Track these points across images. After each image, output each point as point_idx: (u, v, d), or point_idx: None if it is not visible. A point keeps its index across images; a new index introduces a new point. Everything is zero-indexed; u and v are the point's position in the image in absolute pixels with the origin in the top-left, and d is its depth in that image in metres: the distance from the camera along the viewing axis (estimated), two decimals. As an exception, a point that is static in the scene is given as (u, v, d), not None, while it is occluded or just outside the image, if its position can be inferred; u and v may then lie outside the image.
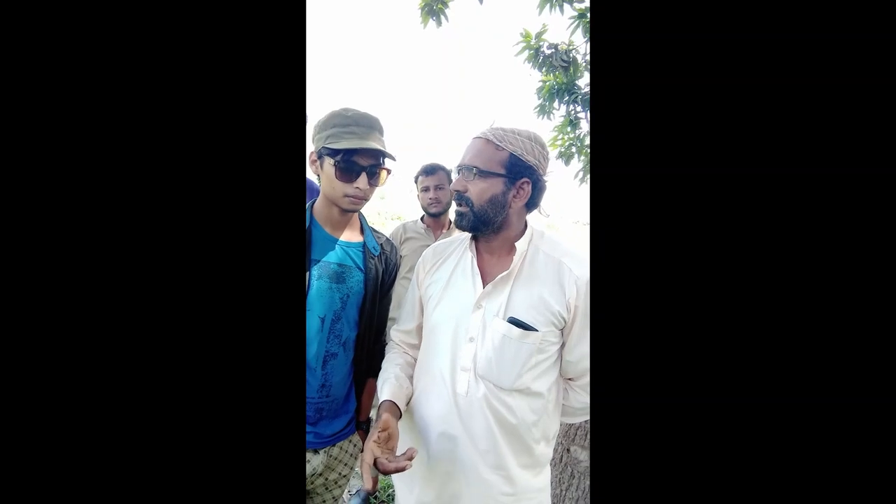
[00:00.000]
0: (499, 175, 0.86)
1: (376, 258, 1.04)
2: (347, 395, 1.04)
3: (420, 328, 1.03)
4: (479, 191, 0.86)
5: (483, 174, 0.86)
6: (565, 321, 0.86)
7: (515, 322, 0.84)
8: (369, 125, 0.93)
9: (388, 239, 1.11)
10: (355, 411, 1.07)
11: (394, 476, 1.00)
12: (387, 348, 1.08)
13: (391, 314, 1.79)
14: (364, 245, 1.03)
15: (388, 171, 0.97)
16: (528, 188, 0.88)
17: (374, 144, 0.90)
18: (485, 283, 0.90)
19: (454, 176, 0.93)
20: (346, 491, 2.01)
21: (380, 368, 1.07)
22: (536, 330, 0.84)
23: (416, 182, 1.89)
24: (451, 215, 1.91)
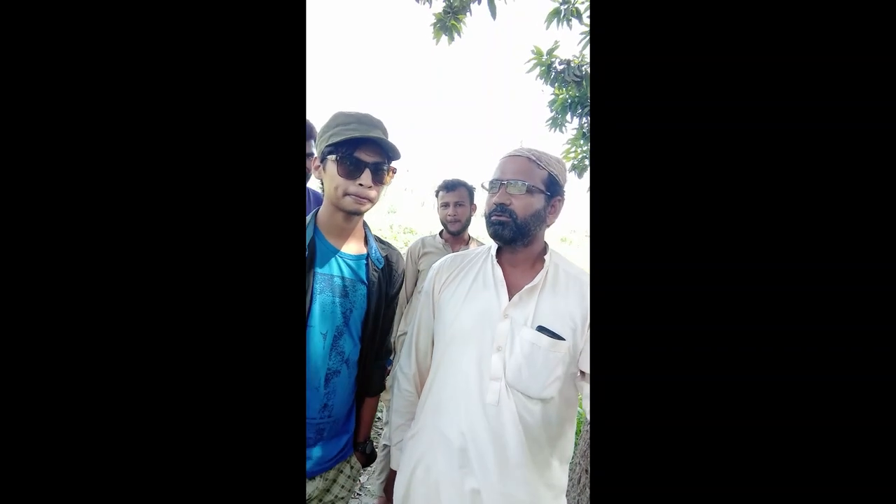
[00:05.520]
0: (542, 192, 0.92)
1: (380, 271, 1.00)
2: (348, 415, 1.00)
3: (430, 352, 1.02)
4: (524, 204, 0.91)
5: (531, 189, 0.91)
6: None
7: (544, 331, 0.87)
8: (372, 123, 0.90)
9: (393, 249, 1.08)
10: (354, 431, 1.03)
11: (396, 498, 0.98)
12: (398, 393, 1.06)
13: (406, 328, 1.78)
14: (368, 257, 0.99)
15: (394, 171, 0.94)
16: (559, 206, 0.96)
17: (378, 134, 0.88)
18: (510, 295, 0.92)
19: (485, 189, 0.96)
20: (358, 508, 1.97)
21: (381, 386, 1.07)
22: (564, 339, 0.86)
23: (436, 196, 1.89)
24: (471, 232, 1.91)
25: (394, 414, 1.06)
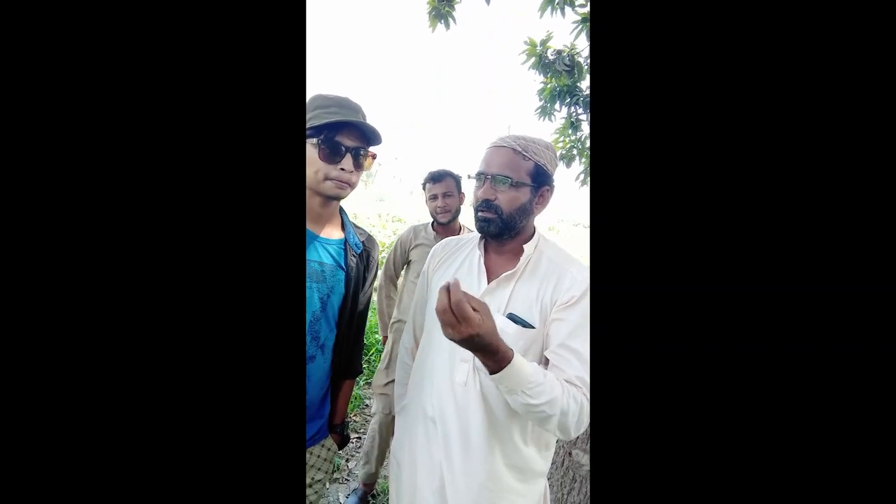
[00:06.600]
0: (527, 185, 0.90)
1: (358, 256, 1.00)
2: (323, 399, 1.00)
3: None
4: (509, 199, 0.89)
5: (515, 184, 0.89)
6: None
7: (513, 318, 0.87)
8: (352, 108, 0.89)
9: (369, 236, 1.08)
10: (329, 415, 1.04)
11: (390, 463, 1.03)
12: (400, 365, 1.12)
13: (400, 316, 1.78)
14: (345, 242, 0.99)
15: (374, 156, 0.93)
16: (548, 196, 0.94)
17: (360, 119, 0.87)
18: (489, 281, 0.93)
19: (473, 182, 0.95)
20: (343, 494, 1.99)
21: (357, 369, 1.11)
22: (533, 327, 0.87)
23: (423, 189, 1.87)
24: (462, 221, 1.90)
25: (397, 385, 1.12)
